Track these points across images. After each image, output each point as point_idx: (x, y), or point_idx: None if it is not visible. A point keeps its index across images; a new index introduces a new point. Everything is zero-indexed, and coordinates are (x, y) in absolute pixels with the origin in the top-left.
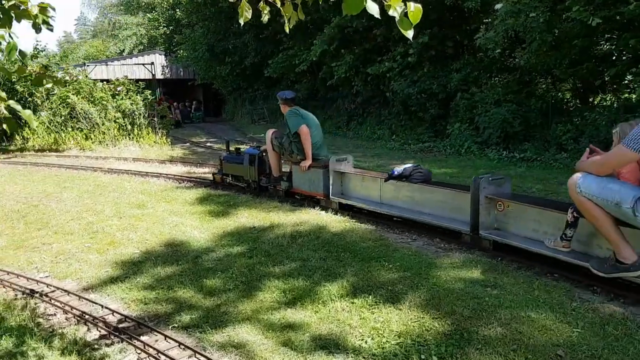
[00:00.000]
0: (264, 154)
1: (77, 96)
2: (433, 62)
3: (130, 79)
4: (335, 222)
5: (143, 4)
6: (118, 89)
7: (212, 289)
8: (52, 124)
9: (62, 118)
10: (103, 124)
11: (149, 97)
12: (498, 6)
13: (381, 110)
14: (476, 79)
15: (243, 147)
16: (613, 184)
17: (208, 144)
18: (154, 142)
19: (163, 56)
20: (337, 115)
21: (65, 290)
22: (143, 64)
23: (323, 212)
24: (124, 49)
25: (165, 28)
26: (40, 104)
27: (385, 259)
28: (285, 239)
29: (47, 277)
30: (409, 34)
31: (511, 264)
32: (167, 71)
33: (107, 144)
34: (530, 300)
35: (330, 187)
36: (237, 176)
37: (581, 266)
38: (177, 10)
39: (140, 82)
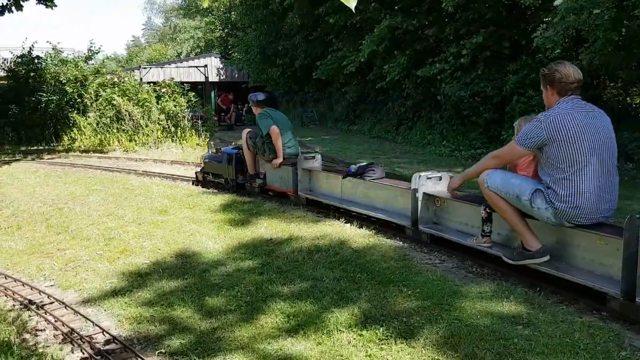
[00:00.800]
0: (241, 153)
1: (122, 98)
2: (488, 63)
3: (176, 81)
4: (358, 236)
5: (201, 8)
6: (162, 90)
7: (212, 308)
8: (99, 126)
9: (108, 120)
10: (147, 126)
11: (193, 99)
12: (558, 2)
13: (432, 114)
14: (534, 81)
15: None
16: (514, 179)
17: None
18: (197, 144)
19: (218, 59)
20: (387, 119)
21: (63, 303)
22: (197, 67)
23: (347, 225)
24: (181, 52)
25: (221, 31)
26: (89, 105)
27: (405, 284)
28: (301, 254)
29: (51, 285)
30: (351, 3)
31: (550, 296)
32: (222, 74)
33: (149, 146)
34: (568, 345)
35: (299, 183)
36: (217, 174)
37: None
38: (233, 13)
39: (185, 84)
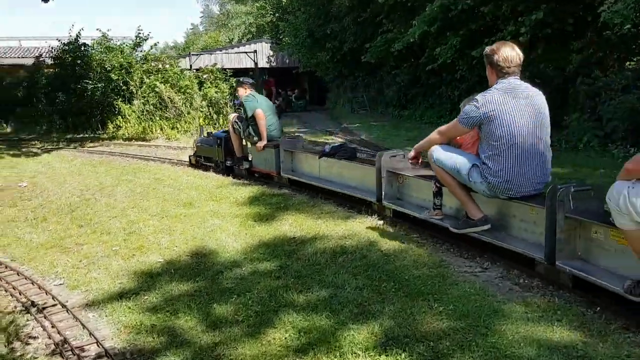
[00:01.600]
0: (229, 137)
1: (164, 85)
2: (549, 41)
3: (218, 67)
4: (389, 237)
5: None
6: (204, 76)
7: (218, 318)
8: (143, 113)
9: (152, 107)
10: (188, 113)
11: (235, 84)
12: None
13: None
14: (600, 60)
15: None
16: (457, 155)
17: (296, 134)
18: None
19: (268, 45)
20: (439, 104)
21: (65, 306)
22: (246, 53)
23: (381, 221)
24: (232, 38)
25: (271, 16)
26: (135, 92)
27: (437, 297)
28: (324, 256)
29: (60, 284)
30: None
31: (612, 319)
32: (272, 60)
33: (191, 134)
34: None
35: (281, 164)
36: (208, 157)
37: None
38: None
39: (227, 70)
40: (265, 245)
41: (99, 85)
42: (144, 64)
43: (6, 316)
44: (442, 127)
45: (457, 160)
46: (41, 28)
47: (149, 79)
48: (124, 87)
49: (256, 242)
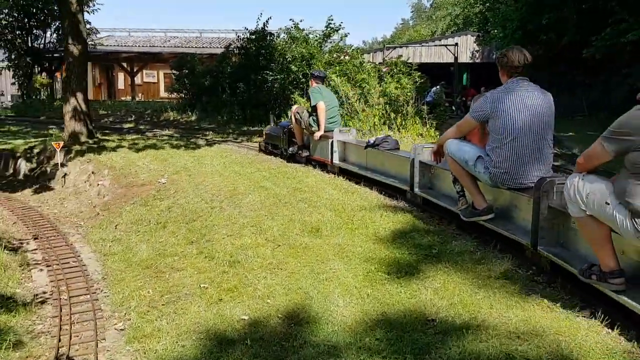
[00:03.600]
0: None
1: (340, 78)
2: None
3: (402, 60)
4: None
5: None
6: (383, 70)
7: None
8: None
9: None
10: (363, 111)
11: (418, 79)
12: None
13: None
14: None
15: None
16: (466, 147)
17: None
18: (419, 134)
19: (473, 38)
20: None
21: None
22: (446, 46)
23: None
24: (435, 31)
25: (480, 6)
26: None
27: None
28: None
29: (121, 329)
30: None
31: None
32: (477, 55)
33: (363, 134)
34: None
35: (334, 154)
36: (275, 144)
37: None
38: None
39: (410, 65)
40: (385, 325)
41: (279, 76)
42: (325, 54)
43: None
44: (457, 123)
45: (466, 152)
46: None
47: (327, 71)
48: (302, 80)
49: (375, 314)
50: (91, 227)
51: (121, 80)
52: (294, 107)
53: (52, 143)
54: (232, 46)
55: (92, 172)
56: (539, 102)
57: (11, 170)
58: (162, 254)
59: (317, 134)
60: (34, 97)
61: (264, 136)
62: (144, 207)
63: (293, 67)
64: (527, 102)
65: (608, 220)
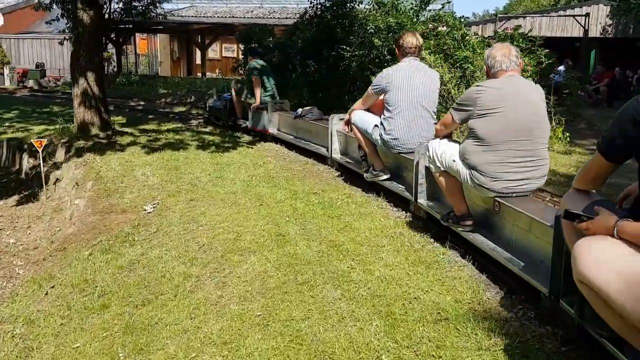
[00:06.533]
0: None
1: (433, 55)
2: None
3: (522, 32)
4: None
5: None
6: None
7: None
8: None
9: None
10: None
11: (545, 59)
12: None
13: None
14: None
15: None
16: (367, 116)
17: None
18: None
19: (607, 8)
20: None
21: None
22: (574, 17)
23: None
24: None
25: None
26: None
27: None
28: None
29: None
30: None
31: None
32: (608, 29)
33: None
34: None
35: (270, 124)
36: (217, 117)
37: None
38: None
39: (532, 39)
40: None
41: (358, 52)
42: (417, 25)
43: None
44: (364, 95)
45: (366, 121)
46: None
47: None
48: (388, 57)
49: None
50: (20, 285)
51: (199, 54)
52: (233, 81)
53: (33, 140)
54: (306, 15)
55: (77, 184)
56: (426, 80)
57: (17, 166)
58: None
59: (255, 105)
60: None
61: (207, 109)
62: (104, 257)
63: (376, 40)
64: (413, 77)
65: (456, 174)
